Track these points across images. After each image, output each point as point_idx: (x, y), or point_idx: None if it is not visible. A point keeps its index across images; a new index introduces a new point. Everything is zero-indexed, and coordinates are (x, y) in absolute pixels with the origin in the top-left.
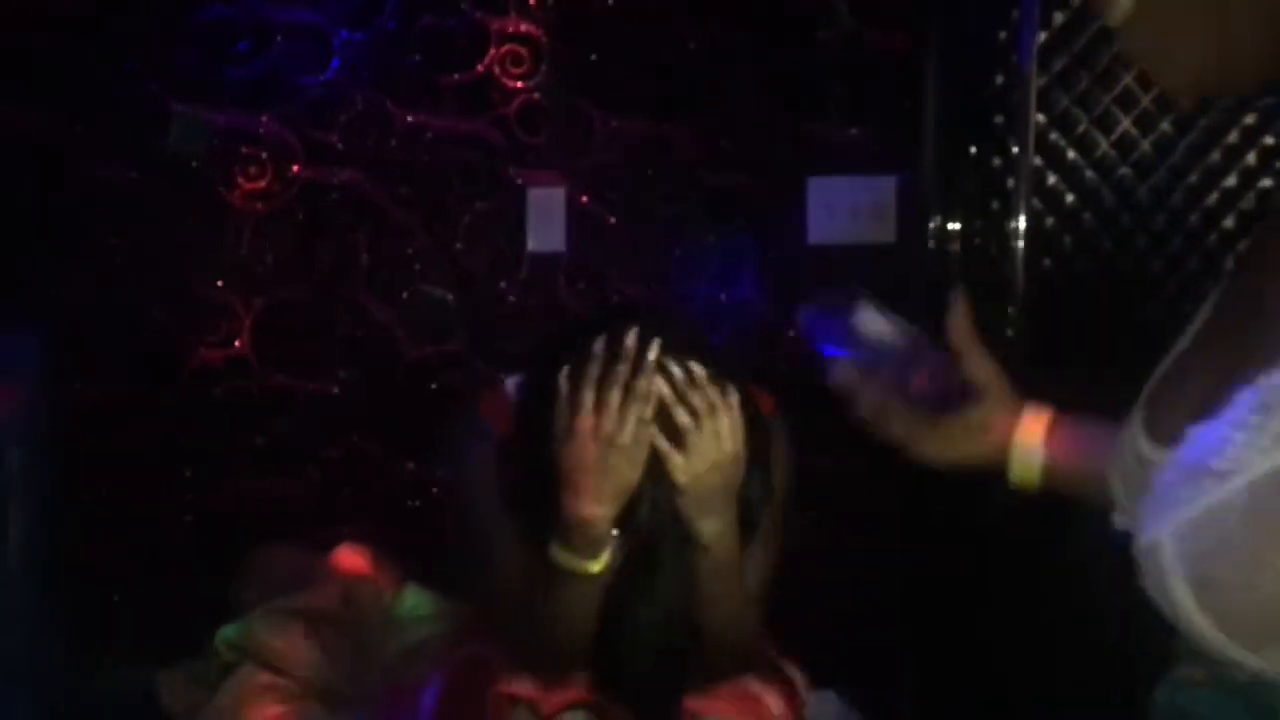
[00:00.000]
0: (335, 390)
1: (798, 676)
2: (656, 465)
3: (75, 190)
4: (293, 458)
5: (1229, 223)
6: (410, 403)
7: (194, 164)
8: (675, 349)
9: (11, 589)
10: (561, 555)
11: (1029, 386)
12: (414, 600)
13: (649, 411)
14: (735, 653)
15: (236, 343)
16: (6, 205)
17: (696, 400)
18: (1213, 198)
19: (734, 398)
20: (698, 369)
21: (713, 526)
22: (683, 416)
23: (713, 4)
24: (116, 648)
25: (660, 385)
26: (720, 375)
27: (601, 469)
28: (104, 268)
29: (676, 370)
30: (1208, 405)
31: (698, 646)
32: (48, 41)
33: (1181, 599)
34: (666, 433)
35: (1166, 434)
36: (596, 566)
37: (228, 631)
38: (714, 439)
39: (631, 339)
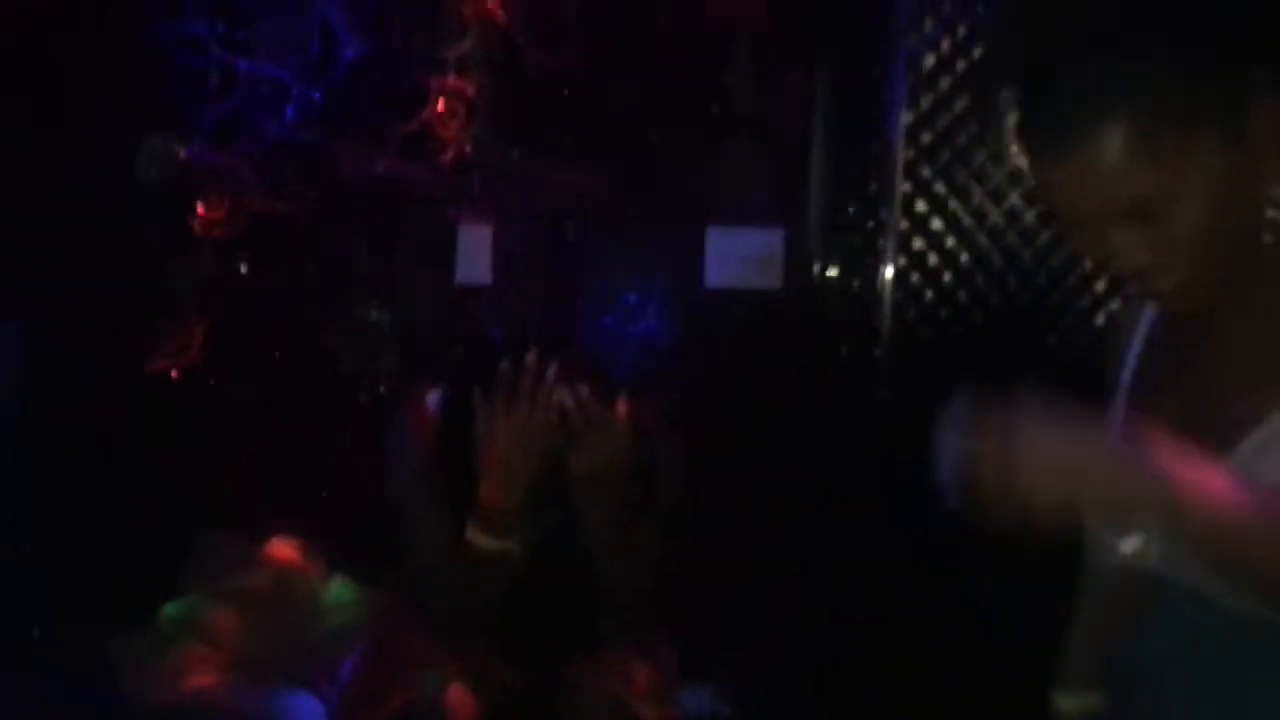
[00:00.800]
0: (276, 397)
1: (672, 659)
2: (556, 461)
3: (56, 206)
4: (236, 455)
5: (1072, 281)
6: (343, 412)
7: (160, 191)
8: (573, 367)
9: None
10: (477, 536)
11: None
12: (338, 590)
13: (550, 416)
14: (621, 629)
15: (189, 351)
16: None
17: (590, 410)
18: (1058, 259)
19: (621, 410)
20: (591, 387)
21: (597, 515)
22: (578, 423)
23: (628, 71)
24: (71, 615)
25: (564, 397)
26: (610, 392)
27: (509, 466)
28: (77, 276)
29: (576, 386)
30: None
31: (585, 620)
32: (38, 73)
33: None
34: (567, 435)
35: None
36: (504, 546)
37: (170, 609)
38: (602, 441)
39: (531, 358)
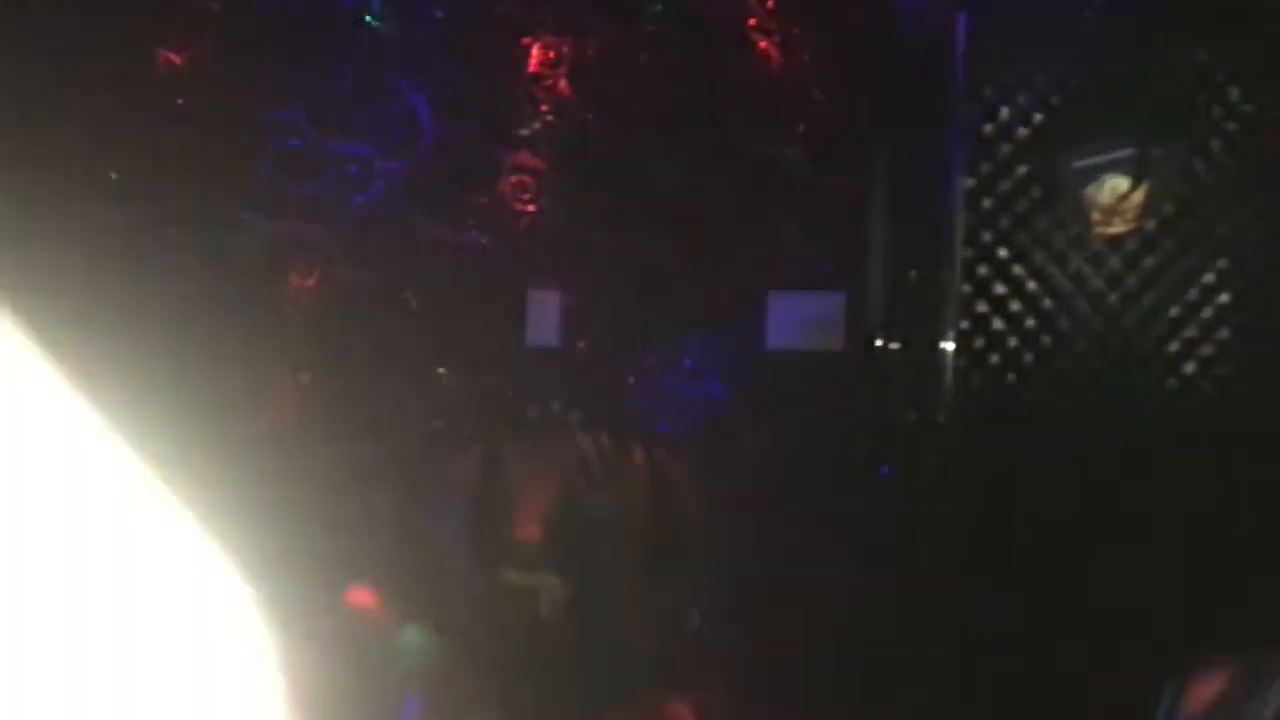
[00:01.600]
0: (361, 454)
1: (721, 707)
2: (576, 502)
3: (162, 280)
4: (324, 511)
5: (1144, 344)
6: (423, 468)
7: (255, 264)
8: (595, 418)
9: None
10: (508, 572)
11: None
12: (411, 635)
13: (569, 459)
14: (650, 670)
15: (284, 412)
16: (105, 291)
17: (607, 458)
18: (1129, 320)
19: (637, 458)
20: (609, 435)
21: (618, 557)
22: (595, 468)
23: (688, 145)
24: None
25: (583, 444)
26: (628, 442)
27: (531, 503)
28: (178, 346)
29: (596, 435)
30: None
31: (617, 661)
32: (148, 157)
33: None
34: (586, 479)
35: None
36: (531, 581)
37: None
38: (620, 486)
39: (556, 406)
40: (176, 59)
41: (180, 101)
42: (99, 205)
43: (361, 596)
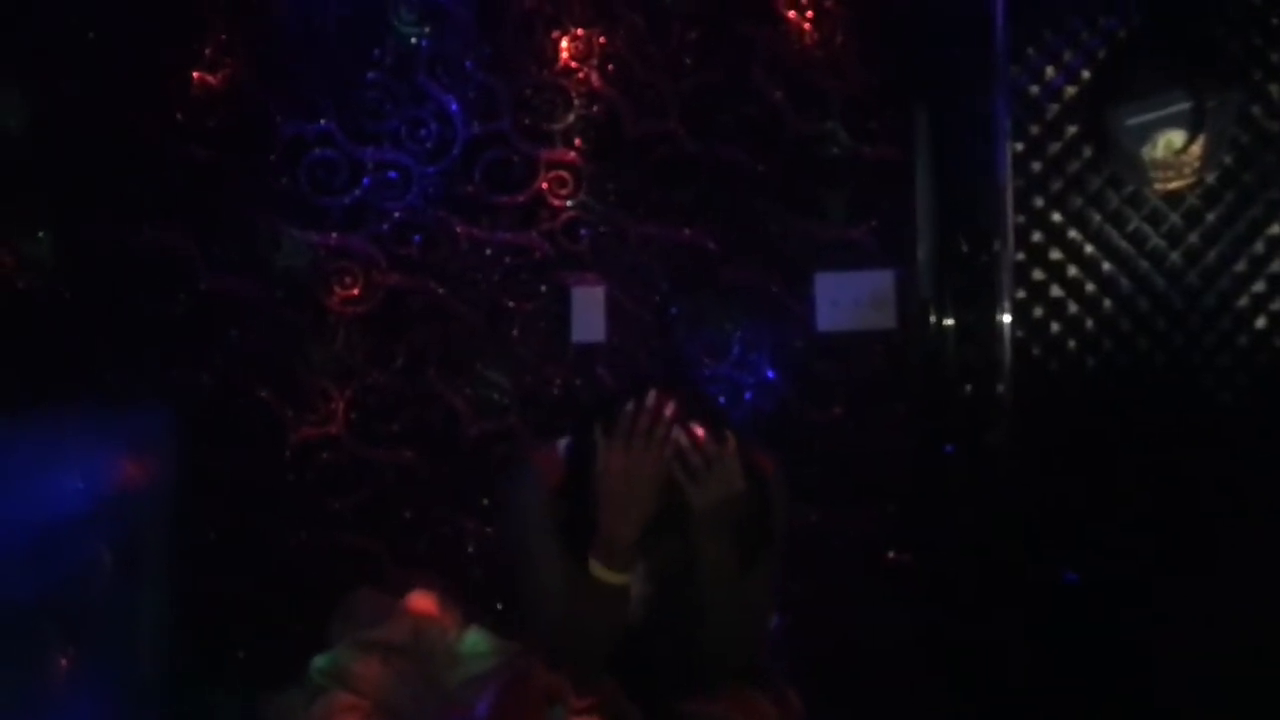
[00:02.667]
0: (411, 461)
1: (795, 699)
2: (674, 497)
3: (206, 296)
4: (376, 517)
5: (1210, 301)
6: (472, 471)
7: (300, 277)
8: (688, 408)
9: (147, 628)
10: (598, 569)
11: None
12: (474, 639)
13: (665, 453)
14: (735, 665)
15: (331, 422)
16: (151, 307)
17: (707, 447)
18: (1192, 276)
19: (732, 445)
20: (704, 425)
21: (717, 550)
22: (695, 459)
23: (726, 128)
24: (232, 676)
25: (679, 436)
26: (722, 431)
27: (628, 498)
28: (226, 360)
29: (692, 425)
30: None
31: (702, 657)
32: (189, 179)
33: None
34: (684, 472)
35: None
36: (624, 578)
37: (319, 660)
38: (720, 476)
39: (650, 398)
40: (211, 79)
41: (215, 121)
42: (146, 227)
43: (422, 602)
